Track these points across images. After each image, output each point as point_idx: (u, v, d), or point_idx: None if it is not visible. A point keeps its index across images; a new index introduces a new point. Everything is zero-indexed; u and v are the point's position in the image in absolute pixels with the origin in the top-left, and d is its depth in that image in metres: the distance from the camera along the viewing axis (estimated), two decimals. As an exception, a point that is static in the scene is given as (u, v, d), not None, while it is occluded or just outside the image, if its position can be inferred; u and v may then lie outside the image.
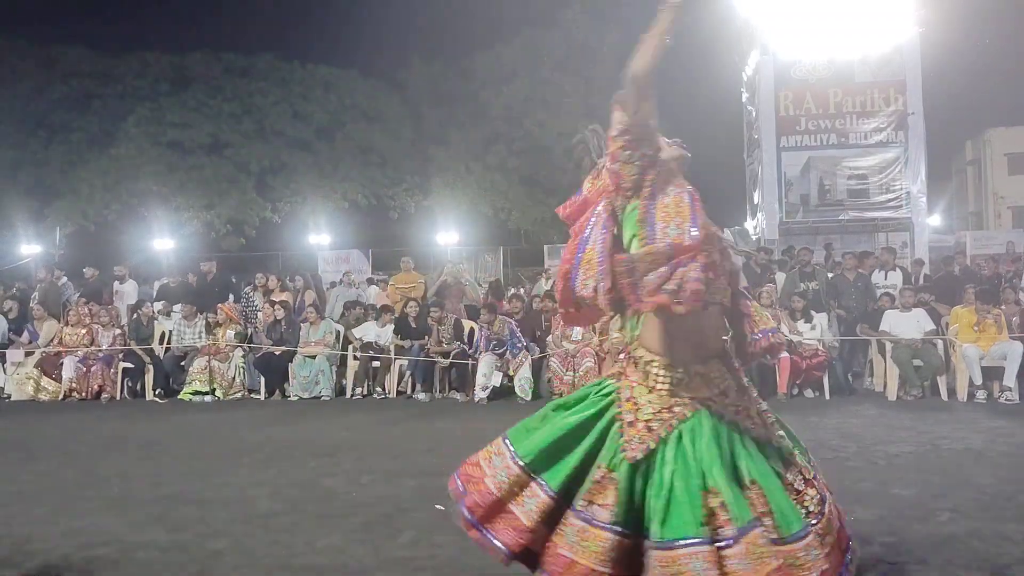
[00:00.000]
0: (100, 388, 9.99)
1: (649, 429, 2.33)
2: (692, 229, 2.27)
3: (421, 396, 9.61)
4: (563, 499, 2.37)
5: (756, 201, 17.63)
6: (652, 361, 2.40)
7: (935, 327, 9.07)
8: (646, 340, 2.42)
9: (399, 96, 30.76)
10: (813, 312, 9.60)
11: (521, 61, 28.88)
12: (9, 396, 10.18)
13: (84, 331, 10.36)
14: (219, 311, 10.33)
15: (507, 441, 2.56)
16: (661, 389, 2.37)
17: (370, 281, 16.22)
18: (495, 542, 2.41)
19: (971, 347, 8.55)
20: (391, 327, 10.27)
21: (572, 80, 28.82)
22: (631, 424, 2.35)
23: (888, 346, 8.93)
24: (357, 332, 10.25)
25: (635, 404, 2.38)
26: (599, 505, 2.29)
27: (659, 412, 2.34)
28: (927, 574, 3.45)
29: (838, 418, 7.56)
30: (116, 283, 12.79)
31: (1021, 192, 33.42)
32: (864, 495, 4.72)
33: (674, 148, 2.53)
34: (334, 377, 9.94)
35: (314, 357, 9.86)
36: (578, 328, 9.65)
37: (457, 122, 29.59)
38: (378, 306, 11.11)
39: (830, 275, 10.95)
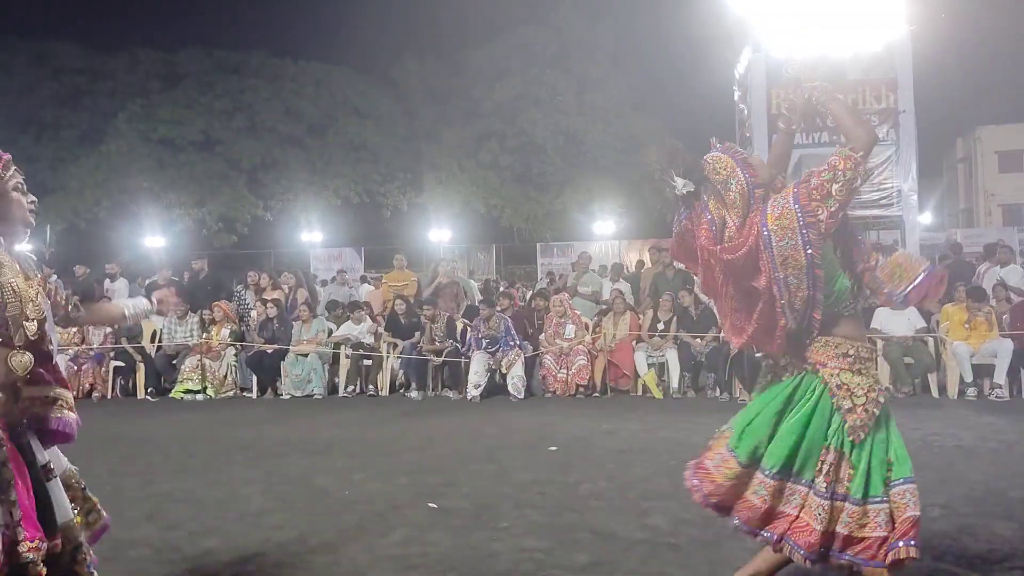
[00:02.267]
0: (91, 386, 9.94)
1: (866, 411, 2.67)
2: None
3: (414, 394, 9.60)
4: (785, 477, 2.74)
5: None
6: (853, 346, 2.73)
7: (926, 325, 9.10)
8: (844, 329, 2.74)
9: (391, 93, 30.72)
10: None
11: (514, 58, 28.89)
12: None
13: (75, 329, 10.30)
14: (216, 309, 10.29)
15: (734, 452, 2.82)
16: (864, 371, 2.72)
17: (363, 279, 16.20)
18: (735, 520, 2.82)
19: (962, 345, 8.59)
20: (365, 325, 10.23)
21: (565, 77, 28.86)
22: (851, 411, 2.66)
23: (879, 343, 8.97)
24: (339, 332, 10.18)
25: (848, 390, 2.67)
26: (839, 481, 2.68)
27: (868, 393, 2.69)
28: (918, 570, 3.46)
29: (830, 415, 7.58)
30: (107, 281, 12.72)
31: (1012, 190, 33.59)
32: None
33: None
34: (326, 375, 9.92)
35: (306, 355, 9.84)
36: (571, 326, 9.68)
37: (450, 119, 29.58)
38: (359, 302, 11.08)
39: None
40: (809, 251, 2.58)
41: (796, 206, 2.59)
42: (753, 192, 2.69)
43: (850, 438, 2.65)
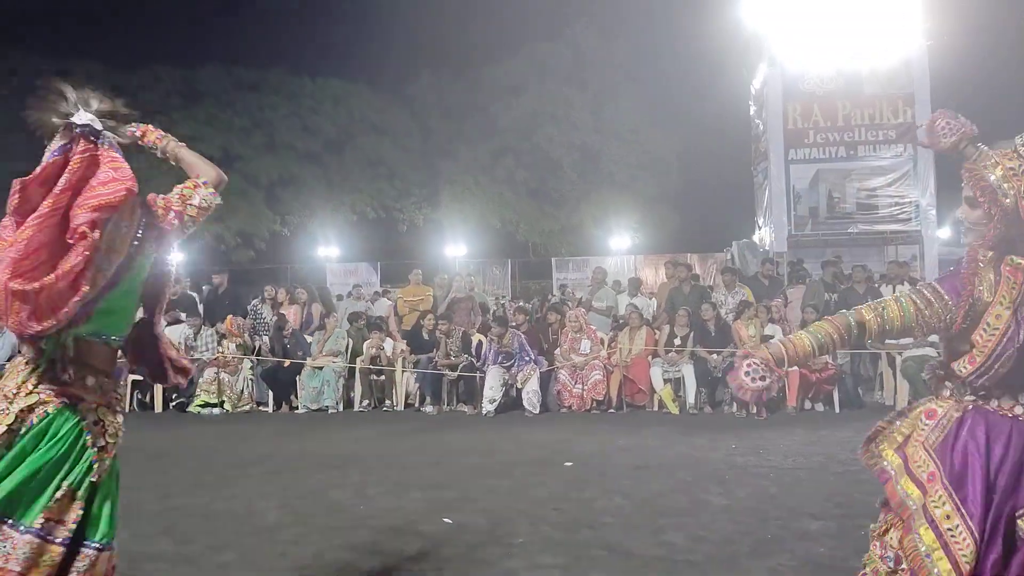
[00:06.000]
0: (109, 400, 9.99)
1: (113, 454, 2.46)
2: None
3: (429, 409, 9.60)
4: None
5: (764, 214, 17.61)
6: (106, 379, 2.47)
7: (945, 340, 9.00)
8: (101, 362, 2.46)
9: (408, 109, 30.90)
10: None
11: (529, 74, 29.00)
12: (19, 408, 10.20)
13: (94, 343, 10.39)
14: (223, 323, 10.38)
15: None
16: (117, 409, 2.50)
17: (378, 294, 16.23)
18: None
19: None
20: (387, 343, 10.24)
21: (580, 93, 28.93)
22: (104, 449, 2.41)
23: (898, 359, 8.89)
24: (370, 348, 10.14)
25: (103, 429, 2.42)
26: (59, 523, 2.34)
27: (118, 433, 2.48)
28: None
29: (848, 432, 7.51)
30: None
31: (1031, 204, 33.26)
32: (875, 510, 4.67)
33: None
34: (340, 390, 9.94)
35: (321, 367, 9.87)
36: (586, 341, 9.65)
37: (465, 135, 29.70)
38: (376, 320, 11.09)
39: (841, 288, 10.94)
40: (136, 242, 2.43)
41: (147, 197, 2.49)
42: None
43: (93, 478, 2.37)
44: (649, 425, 8.22)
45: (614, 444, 7.18)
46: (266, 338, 10.50)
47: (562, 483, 5.60)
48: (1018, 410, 2.18)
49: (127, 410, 9.99)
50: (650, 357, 9.49)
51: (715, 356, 9.24)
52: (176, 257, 20.17)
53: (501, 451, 6.97)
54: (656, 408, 9.29)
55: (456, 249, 26.56)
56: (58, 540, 2.32)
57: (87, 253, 2.19)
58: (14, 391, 2.35)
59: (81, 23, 34.85)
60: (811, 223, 16.02)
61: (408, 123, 30.56)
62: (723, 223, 23.59)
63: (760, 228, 18.22)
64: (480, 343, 10.02)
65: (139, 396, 10.33)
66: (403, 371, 9.96)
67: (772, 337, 9.22)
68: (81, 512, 2.36)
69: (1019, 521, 2.13)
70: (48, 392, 2.36)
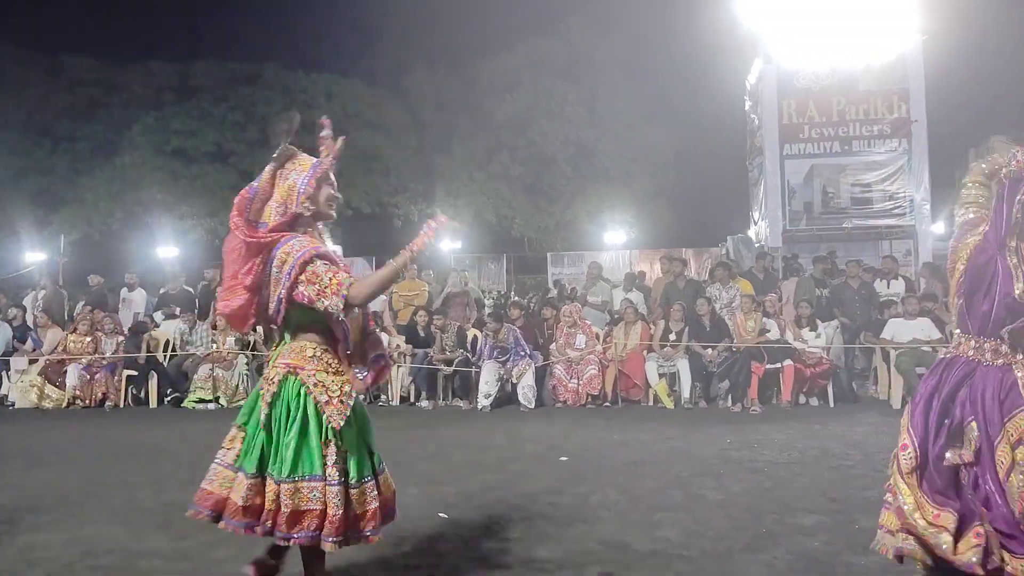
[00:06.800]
0: (104, 396, 9.98)
1: (342, 402, 3.09)
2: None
3: (424, 404, 9.60)
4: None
5: (759, 209, 17.63)
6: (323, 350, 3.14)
7: (941, 335, 9.03)
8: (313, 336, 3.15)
9: (402, 104, 30.83)
10: (819, 321, 9.58)
11: (524, 70, 28.96)
12: (13, 404, 10.18)
13: (89, 339, 10.37)
14: (220, 317, 10.35)
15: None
16: (336, 371, 3.13)
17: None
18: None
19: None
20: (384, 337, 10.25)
21: (575, 88, 28.91)
22: (328, 403, 3.05)
23: (892, 354, 8.91)
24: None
25: (324, 387, 3.07)
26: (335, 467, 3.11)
27: (342, 388, 3.11)
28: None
29: (842, 426, 7.55)
30: (125, 290, 12.79)
31: (1025, 200, 33.30)
32: (869, 504, 4.70)
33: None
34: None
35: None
36: (582, 336, 9.66)
37: (460, 130, 29.66)
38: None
39: (833, 282, 10.97)
40: (282, 292, 3.04)
41: (295, 261, 3.03)
42: (299, 200, 3.31)
43: (333, 426, 3.04)
44: (644, 420, 8.24)
45: (609, 439, 7.20)
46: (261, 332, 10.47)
47: (557, 478, 5.61)
48: (970, 352, 3.12)
49: (122, 405, 10.00)
50: (645, 352, 9.51)
51: (710, 351, 9.26)
52: (171, 252, 19.98)
53: (496, 446, 6.98)
54: (651, 403, 9.31)
55: (451, 244, 26.52)
56: (339, 480, 3.07)
57: (246, 296, 3.12)
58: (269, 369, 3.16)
59: (74, 17, 34.71)
60: (806, 218, 16.04)
61: (403, 118, 30.49)
62: (718, 218, 23.62)
63: (755, 223, 18.23)
64: (475, 338, 10.02)
65: (134, 391, 10.31)
66: (398, 366, 9.97)
67: (769, 331, 9.26)
68: (343, 456, 3.13)
69: (966, 428, 2.98)
70: (282, 364, 3.10)
